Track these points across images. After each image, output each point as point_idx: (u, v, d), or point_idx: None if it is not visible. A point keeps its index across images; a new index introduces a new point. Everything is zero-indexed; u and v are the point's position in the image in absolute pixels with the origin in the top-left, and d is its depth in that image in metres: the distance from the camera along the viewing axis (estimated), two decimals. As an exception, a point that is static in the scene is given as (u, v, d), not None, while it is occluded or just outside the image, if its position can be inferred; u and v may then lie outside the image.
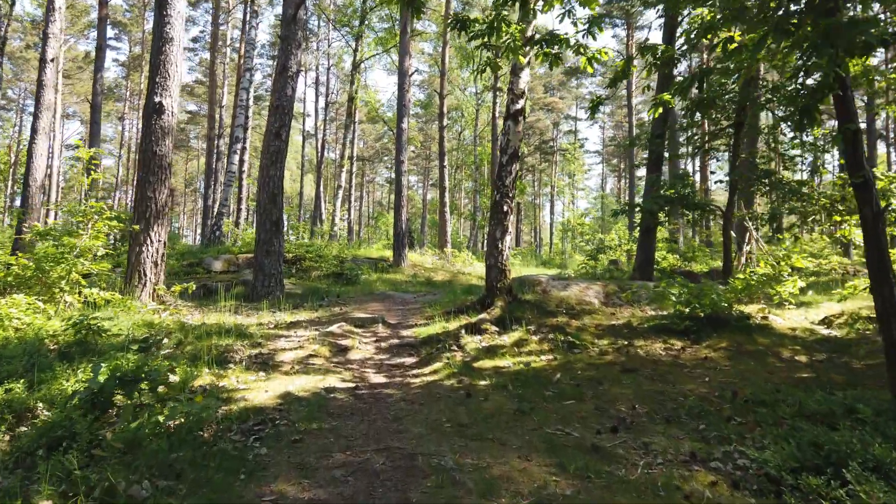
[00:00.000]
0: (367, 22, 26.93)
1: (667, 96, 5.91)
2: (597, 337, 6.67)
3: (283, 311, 8.64)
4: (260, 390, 4.75)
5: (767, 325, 7.08)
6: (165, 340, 6.25)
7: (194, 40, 46.63)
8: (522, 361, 5.68)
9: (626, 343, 6.39)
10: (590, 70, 6.45)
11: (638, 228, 14.77)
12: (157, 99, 8.77)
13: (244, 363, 5.51)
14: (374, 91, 35.89)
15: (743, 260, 15.21)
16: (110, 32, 45.03)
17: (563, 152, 55.18)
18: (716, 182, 13.90)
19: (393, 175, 28.16)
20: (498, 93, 29.30)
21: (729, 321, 6.86)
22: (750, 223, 15.61)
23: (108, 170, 61.69)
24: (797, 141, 12.72)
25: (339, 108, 46.30)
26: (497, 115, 29.15)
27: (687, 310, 6.99)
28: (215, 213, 17.54)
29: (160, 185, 8.76)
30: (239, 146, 17.34)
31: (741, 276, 8.02)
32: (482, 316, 7.09)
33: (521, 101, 7.97)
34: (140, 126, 8.83)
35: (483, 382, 5.01)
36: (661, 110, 6.01)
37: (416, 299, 10.17)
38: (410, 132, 32.72)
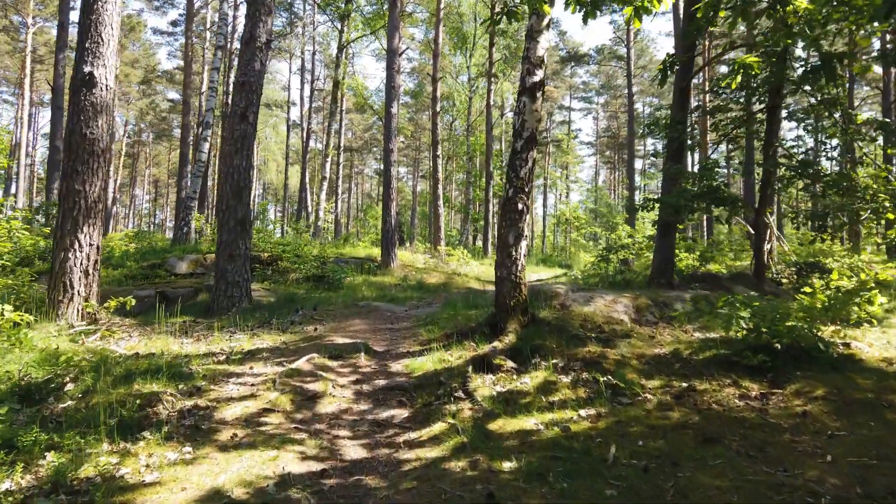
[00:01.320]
0: (353, 2, 25.11)
1: (751, 58, 4.36)
2: (644, 375, 5.12)
3: (244, 332, 7.02)
4: (175, 485, 3.15)
5: (853, 356, 5.59)
6: (70, 386, 4.63)
7: (173, 24, 44.52)
8: (556, 421, 4.11)
9: (685, 386, 4.85)
10: (636, 25, 4.88)
11: (655, 226, 13.29)
12: (86, 69, 7.07)
13: (168, 427, 3.90)
14: (364, 77, 34.10)
15: (764, 260, 13.63)
16: (83, 14, 42.72)
17: (557, 143, 53.61)
18: (746, 173, 12.40)
19: (382, 166, 26.38)
20: (493, 79, 27.66)
21: (809, 352, 5.34)
22: (770, 219, 14.08)
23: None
24: (838, 127, 11.20)
25: (325, 97, 44.40)
26: (491, 103, 27.52)
27: (747, 333, 5.48)
28: (183, 208, 15.82)
29: (92, 175, 7.09)
30: (209, 132, 15.59)
31: (808, 290, 6.50)
32: (493, 345, 5.51)
33: (540, 72, 6.36)
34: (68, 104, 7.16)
35: (508, 465, 3.44)
36: (739, 79, 4.48)
37: (408, 313, 8.58)
38: (400, 122, 30.98)
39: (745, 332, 5.38)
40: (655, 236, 12.55)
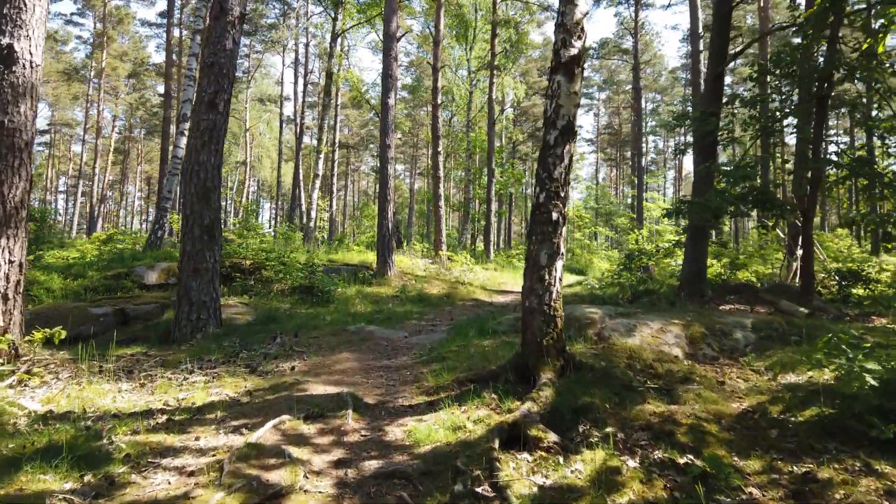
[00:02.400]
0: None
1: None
2: (734, 450, 3.72)
3: (203, 371, 5.60)
4: None
5: None
6: (-77, 481, 3.22)
7: (161, 15, 42.91)
8: (639, 553, 2.70)
9: (799, 473, 3.45)
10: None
11: (684, 231, 11.91)
12: (4, 40, 5.63)
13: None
14: (360, 70, 32.63)
15: (812, 270, 12.20)
16: (72, 7, 41.25)
17: (559, 140, 52.03)
18: (789, 173, 11.04)
19: (378, 164, 24.79)
20: (495, 72, 26.23)
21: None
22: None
23: (77, 156, 57.59)
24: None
25: (320, 92, 42.82)
26: (493, 97, 26.10)
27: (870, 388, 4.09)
28: (158, 209, 14.35)
29: (12, 174, 5.65)
30: (187, 126, 14.11)
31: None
32: (525, 408, 4.08)
33: (579, 43, 4.93)
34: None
35: None
36: (887, 40, 3.10)
37: (409, 341, 7.14)
38: (398, 117, 29.48)
39: (870, 387, 3.97)
40: (686, 242, 11.18)
